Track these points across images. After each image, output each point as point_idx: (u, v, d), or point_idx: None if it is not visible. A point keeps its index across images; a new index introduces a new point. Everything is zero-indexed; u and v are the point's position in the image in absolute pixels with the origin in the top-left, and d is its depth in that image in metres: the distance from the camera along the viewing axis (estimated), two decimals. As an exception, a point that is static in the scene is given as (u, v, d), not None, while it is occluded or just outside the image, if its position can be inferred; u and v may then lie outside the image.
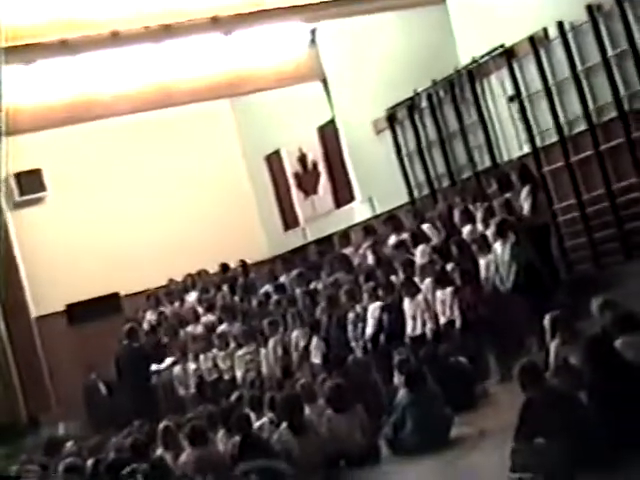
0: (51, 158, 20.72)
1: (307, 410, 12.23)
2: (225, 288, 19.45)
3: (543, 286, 13.37)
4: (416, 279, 14.52)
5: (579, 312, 11.25)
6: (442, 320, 13.95)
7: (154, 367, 18.63)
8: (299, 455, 11.34)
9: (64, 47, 15.66)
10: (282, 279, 18.61)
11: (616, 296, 11.35)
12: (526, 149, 16.02)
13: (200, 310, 19.30)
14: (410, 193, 18.49)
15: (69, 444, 14.78)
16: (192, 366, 17.84)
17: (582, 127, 14.99)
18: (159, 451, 11.96)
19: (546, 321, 10.91)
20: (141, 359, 18.68)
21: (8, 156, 13.93)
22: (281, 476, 10.64)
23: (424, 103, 17.86)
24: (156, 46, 17.07)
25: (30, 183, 20.71)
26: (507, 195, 14.66)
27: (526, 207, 14.37)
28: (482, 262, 14.01)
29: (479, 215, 14.74)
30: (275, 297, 17.40)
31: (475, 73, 16.74)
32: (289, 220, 22.89)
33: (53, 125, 18.27)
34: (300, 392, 12.53)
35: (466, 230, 14.95)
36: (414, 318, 14.29)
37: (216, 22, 16.74)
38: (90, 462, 12.17)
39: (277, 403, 12.20)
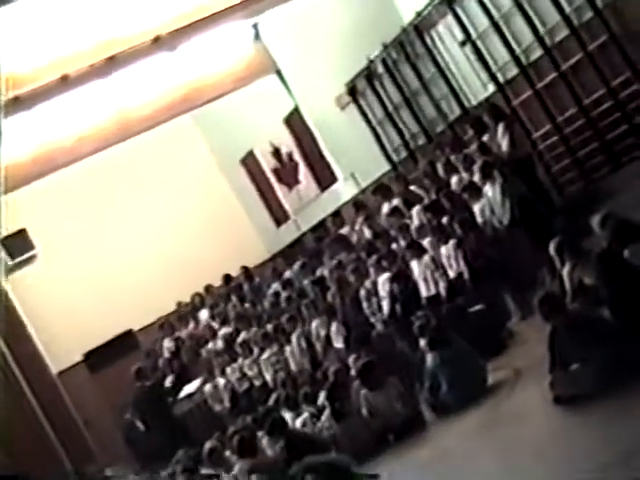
0: (31, 214, 20.64)
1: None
2: (234, 298, 19.45)
3: (540, 216, 13.38)
4: (418, 241, 14.52)
5: (581, 232, 11.25)
6: (452, 275, 13.95)
7: (183, 392, 18.66)
8: (346, 440, 11.39)
9: (17, 103, 15.67)
10: (287, 274, 18.61)
11: (613, 208, 11.37)
12: (491, 88, 16.00)
13: (215, 325, 19.31)
14: (389, 159, 18.48)
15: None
16: (221, 381, 17.86)
17: (539, 53, 14.96)
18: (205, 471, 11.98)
19: (551, 249, 10.93)
20: (157, 395, 18.73)
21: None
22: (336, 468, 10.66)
23: (380, 69, 17.83)
24: (106, 80, 17.03)
25: (18, 245, 20.62)
26: (484, 138, 14.65)
27: (504, 144, 14.36)
28: (476, 208, 13.99)
29: (460, 165, 14.73)
30: (285, 294, 17.40)
31: (422, 27, 16.71)
32: (279, 216, 22.89)
33: (24, 183, 18.21)
34: (334, 379, 12.56)
35: (453, 181, 14.93)
36: (425, 279, 14.28)
37: (158, 42, 16.75)
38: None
39: (320, 394, 12.25)
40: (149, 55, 17.04)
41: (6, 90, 15.33)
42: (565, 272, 10.82)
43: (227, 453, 12.12)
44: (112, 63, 16.75)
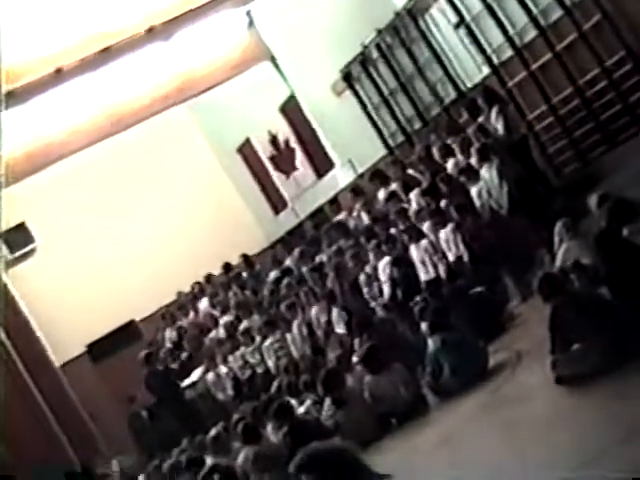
0: (31, 207, 20.67)
1: (349, 380, 12.34)
2: (234, 286, 19.48)
3: (538, 197, 13.40)
4: (416, 225, 14.55)
5: (578, 212, 11.29)
6: (451, 258, 13.98)
7: (186, 381, 18.73)
8: (349, 426, 11.43)
9: (12, 97, 15.67)
10: (287, 262, 18.64)
11: (610, 187, 11.41)
12: (486, 70, 16.00)
13: (216, 314, 19.34)
14: (386, 144, 18.49)
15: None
16: (224, 369, 17.90)
17: (533, 34, 14.96)
18: (210, 460, 12.01)
19: (557, 229, 11.01)
20: (168, 379, 18.81)
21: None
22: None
23: (375, 54, 17.83)
24: (99, 72, 17.03)
25: (18, 238, 20.67)
26: (479, 120, 14.66)
27: (499, 127, 14.38)
28: (473, 191, 14.01)
29: (457, 147, 14.74)
30: (285, 281, 17.43)
31: (415, 11, 16.70)
32: (277, 203, 22.91)
33: (19, 177, 18.19)
34: (336, 365, 12.59)
35: (450, 164, 14.95)
36: (424, 263, 14.30)
37: (152, 32, 16.74)
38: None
39: (317, 382, 12.28)
40: (143, 46, 17.04)
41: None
42: (561, 252, 10.88)
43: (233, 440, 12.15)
44: (106, 55, 16.75)
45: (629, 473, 6.51)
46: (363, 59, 18.09)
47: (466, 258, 13.69)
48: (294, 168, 21.78)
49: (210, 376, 18.23)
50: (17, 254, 20.56)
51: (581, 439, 7.64)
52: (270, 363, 16.96)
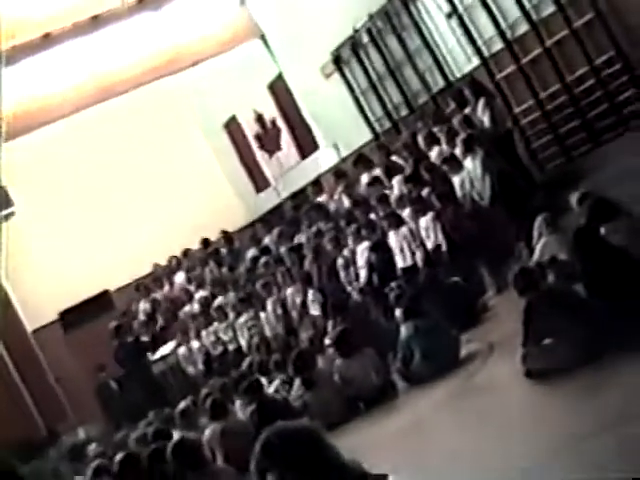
0: (10, 171, 20.55)
1: (320, 362, 12.36)
2: (211, 262, 19.47)
3: (519, 191, 13.43)
4: (396, 212, 14.56)
5: (559, 208, 11.33)
6: (429, 246, 14.00)
7: (157, 354, 18.73)
8: (317, 407, 11.45)
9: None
10: (266, 241, 18.63)
11: (592, 185, 11.45)
12: (475, 61, 16.00)
13: (192, 288, 19.32)
14: (372, 129, 18.46)
15: (92, 447, 14.81)
16: (196, 344, 17.91)
17: (524, 28, 14.97)
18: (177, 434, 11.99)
19: (536, 224, 11.06)
20: (137, 352, 18.82)
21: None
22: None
23: (365, 38, 17.78)
24: (88, 38, 16.94)
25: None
26: (466, 111, 14.67)
27: (485, 119, 14.40)
28: (456, 181, 14.03)
29: (443, 137, 14.75)
30: (262, 260, 17.42)
31: (408, -3, 16.68)
32: (259, 182, 22.86)
33: (5, 139, 18.06)
34: (308, 346, 12.61)
35: (434, 153, 14.96)
36: (402, 250, 14.33)
37: (143, 2, 16.65)
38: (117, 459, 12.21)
39: (287, 362, 12.30)
40: (133, 15, 16.96)
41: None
42: (539, 246, 10.93)
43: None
44: (96, 22, 16.67)
45: (586, 468, 6.57)
46: (353, 43, 18.04)
47: (444, 247, 13.73)
48: (278, 148, 21.71)
49: (182, 350, 18.24)
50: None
51: (544, 432, 7.69)
52: (242, 341, 16.99)
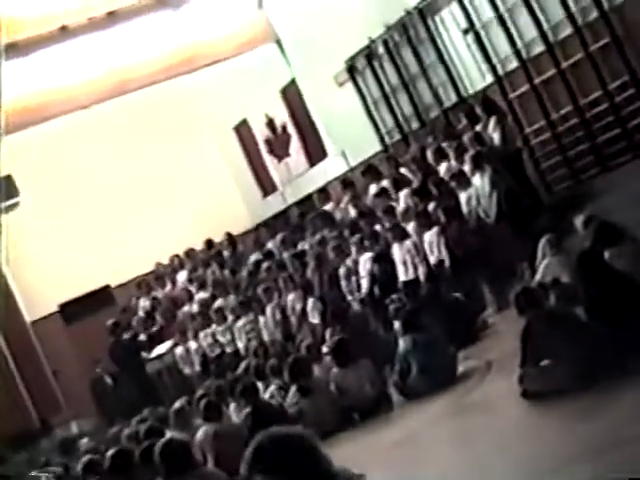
0: (17, 161, 20.53)
1: (316, 370, 12.34)
2: (214, 264, 19.47)
3: (525, 211, 13.43)
4: (402, 224, 14.56)
5: (564, 230, 11.32)
6: (432, 261, 13.99)
7: (154, 352, 18.73)
8: (312, 415, 11.44)
9: (14, 49, 15.59)
10: (269, 245, 18.63)
11: (598, 209, 11.44)
12: (489, 79, 16.01)
13: (192, 289, 19.32)
14: (382, 140, 18.46)
15: (84, 441, 14.79)
16: (193, 345, 17.90)
17: (540, 48, 14.98)
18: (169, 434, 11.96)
19: (541, 245, 11.05)
20: (133, 349, 18.82)
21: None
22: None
23: (381, 50, 17.79)
24: (105, 34, 16.96)
25: (3, 190, 20.54)
26: (477, 128, 14.67)
27: (496, 137, 14.40)
28: (463, 197, 14.04)
29: (452, 152, 14.75)
30: (265, 264, 17.41)
31: (426, 11, 16.68)
32: (266, 186, 22.85)
33: (14, 130, 18.04)
34: (306, 353, 12.60)
35: (442, 168, 14.96)
36: (404, 263, 14.32)
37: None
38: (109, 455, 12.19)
39: (284, 368, 12.28)
40: (152, 12, 16.98)
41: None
42: (542, 267, 10.92)
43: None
44: (113, 17, 16.69)
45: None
46: (369, 53, 18.05)
47: (447, 263, 13.71)
48: (287, 153, 21.72)
49: (179, 350, 18.23)
50: (1, 205, 20.44)
51: (538, 453, 7.67)
52: (240, 344, 16.98)
